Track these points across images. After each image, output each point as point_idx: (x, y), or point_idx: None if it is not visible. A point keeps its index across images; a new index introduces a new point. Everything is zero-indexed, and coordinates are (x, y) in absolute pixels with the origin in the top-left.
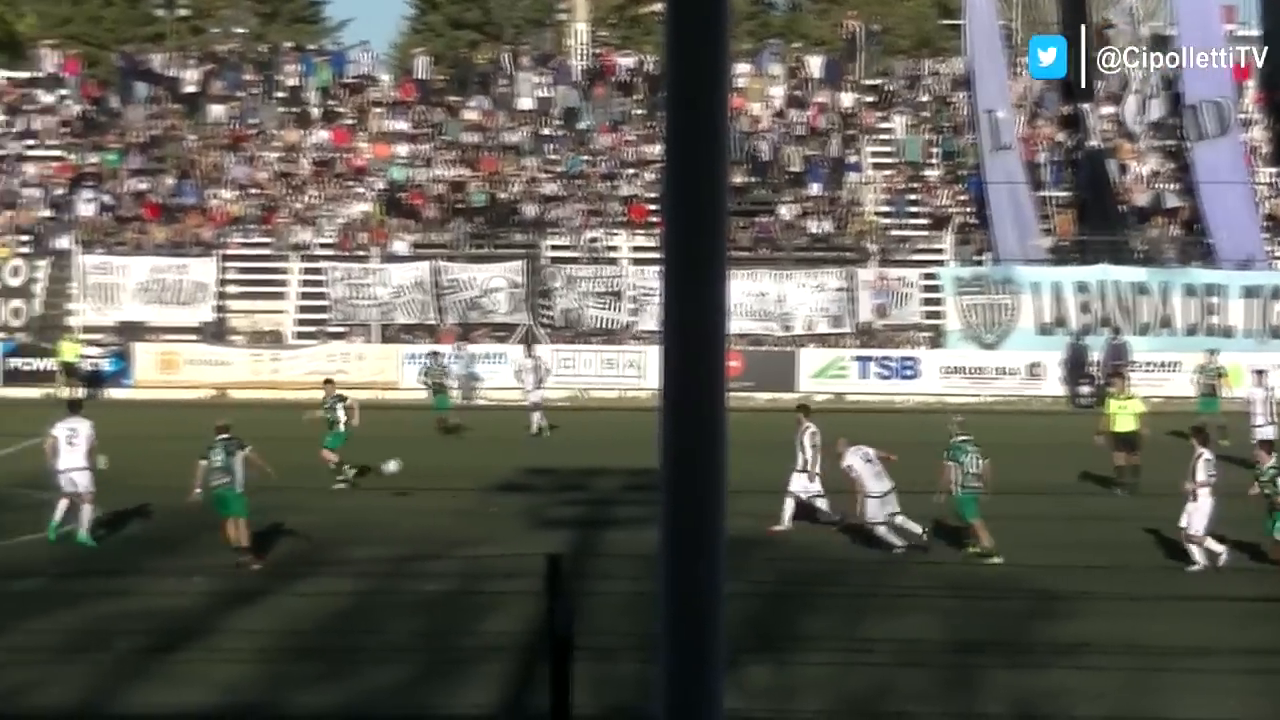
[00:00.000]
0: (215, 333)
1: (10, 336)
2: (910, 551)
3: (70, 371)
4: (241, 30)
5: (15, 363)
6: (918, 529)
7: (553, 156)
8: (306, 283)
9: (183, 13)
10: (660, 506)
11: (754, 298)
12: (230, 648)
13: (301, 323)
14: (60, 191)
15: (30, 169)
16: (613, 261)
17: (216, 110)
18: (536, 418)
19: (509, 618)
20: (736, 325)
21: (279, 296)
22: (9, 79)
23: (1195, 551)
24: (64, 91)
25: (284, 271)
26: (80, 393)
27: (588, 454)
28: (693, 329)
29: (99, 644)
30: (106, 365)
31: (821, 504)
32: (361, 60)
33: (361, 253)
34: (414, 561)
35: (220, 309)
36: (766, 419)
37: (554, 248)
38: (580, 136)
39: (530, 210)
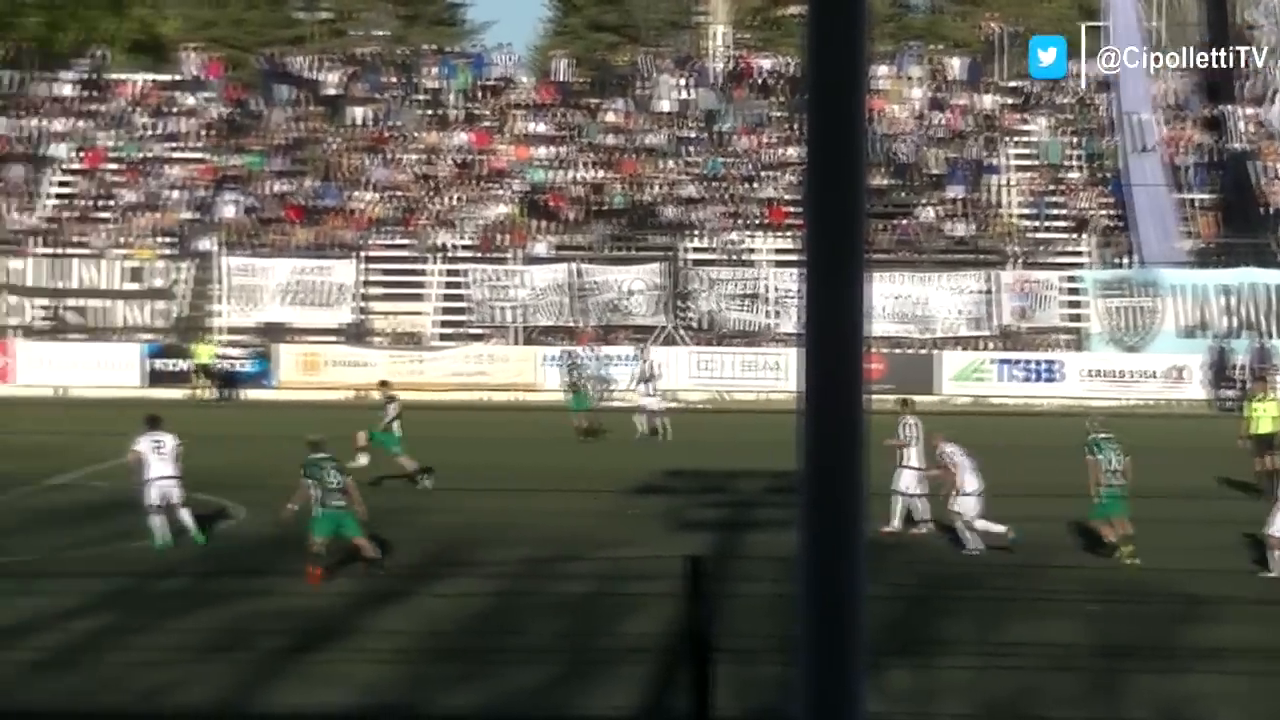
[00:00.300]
0: (356, 334)
1: (155, 338)
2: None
3: (206, 373)
4: (382, 33)
5: (159, 364)
6: (1000, 529)
7: (692, 159)
8: (447, 284)
9: (324, 15)
10: (800, 508)
11: (895, 300)
12: (370, 648)
13: (442, 324)
14: (203, 193)
15: (173, 171)
16: (752, 264)
17: (358, 112)
18: (645, 421)
19: (649, 619)
20: (877, 328)
21: (420, 298)
22: (153, 81)
23: (1275, 556)
24: (207, 94)
25: (425, 273)
26: (216, 394)
27: (728, 456)
28: (832, 331)
29: (240, 643)
30: (246, 366)
31: (921, 505)
32: (501, 62)
33: (502, 254)
34: (554, 563)
35: (361, 310)
36: None
37: (694, 250)
38: (720, 138)
39: (670, 212)
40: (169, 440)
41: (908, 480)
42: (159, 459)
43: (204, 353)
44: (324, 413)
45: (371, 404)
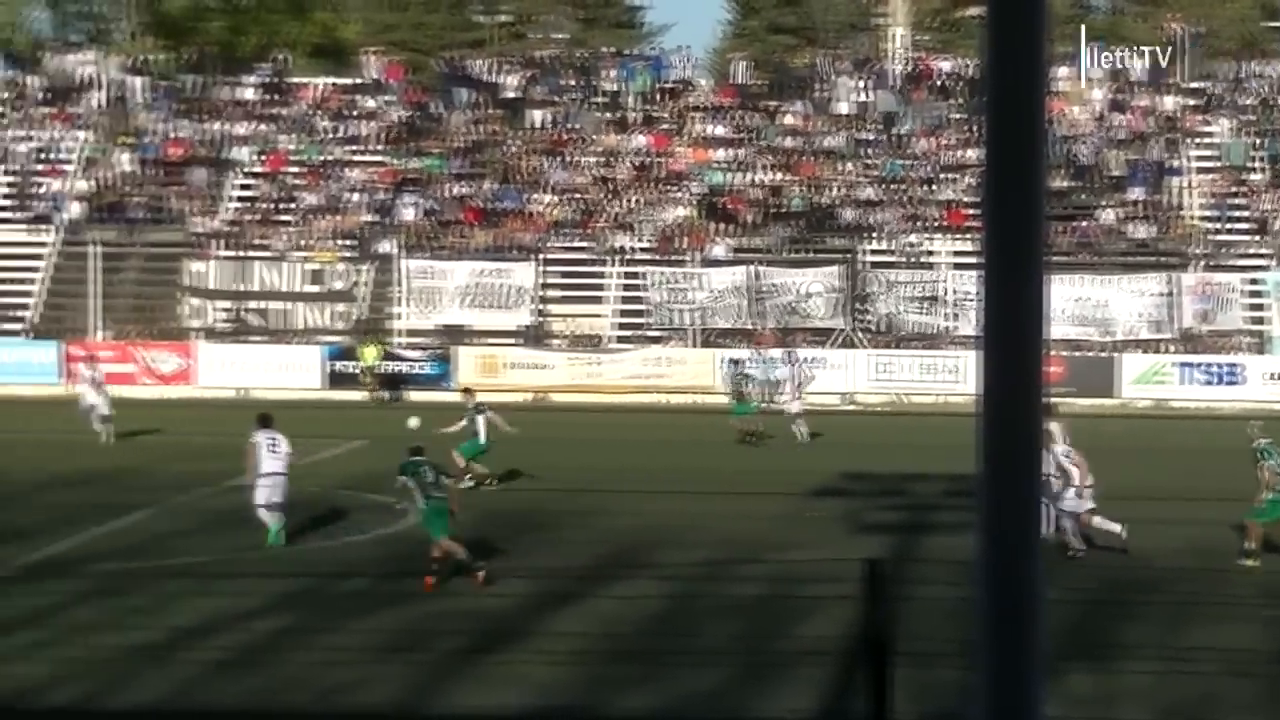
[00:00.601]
0: (535, 336)
1: (335, 340)
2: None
3: (371, 375)
4: (562, 36)
5: (339, 366)
6: (1116, 527)
7: (871, 161)
8: (625, 287)
9: (504, 19)
10: (978, 511)
11: (1074, 302)
12: (548, 650)
13: (620, 326)
14: (383, 196)
15: (354, 174)
16: (931, 266)
17: (537, 115)
18: (798, 428)
19: (827, 622)
20: (1056, 330)
21: (598, 300)
22: (334, 85)
23: None
24: (387, 97)
25: (603, 275)
26: (385, 395)
27: (906, 458)
28: (1011, 333)
29: (418, 644)
30: (425, 368)
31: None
32: (680, 65)
33: (680, 257)
34: (730, 565)
35: (540, 313)
36: (1086, 425)
37: (872, 252)
38: (898, 141)
39: (848, 214)
40: (283, 439)
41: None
42: (272, 456)
43: (369, 355)
44: (503, 415)
45: (463, 409)
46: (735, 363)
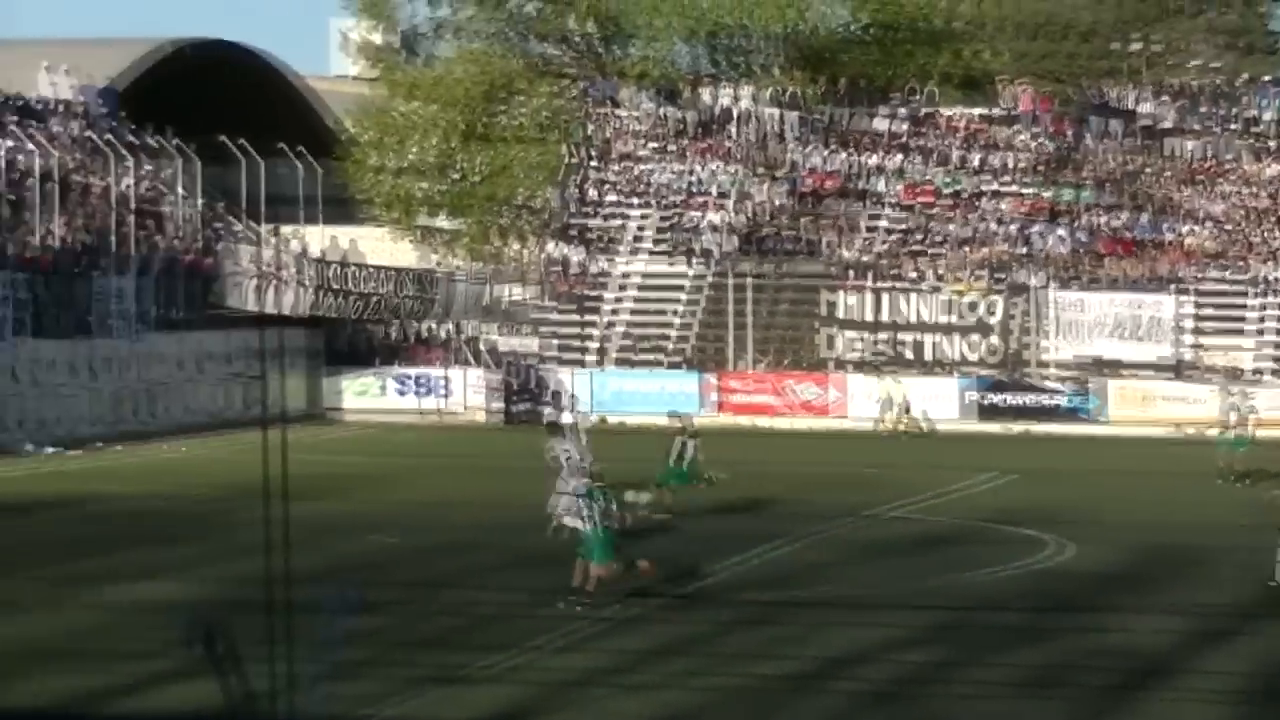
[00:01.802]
0: (1182, 369)
1: (978, 373)
2: None
3: (906, 411)
4: (1204, 63)
5: (989, 398)
6: None
7: None
8: (1275, 318)
9: (1153, 49)
10: None
11: None
12: (1200, 688)
13: (1272, 359)
14: (1026, 227)
15: (996, 205)
16: None
17: (1182, 144)
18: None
19: None
20: None
21: (1242, 333)
22: (976, 115)
23: None
24: (1032, 128)
25: (1248, 307)
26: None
27: None
28: None
29: (1067, 679)
30: (1068, 401)
31: None
32: None
33: None
34: None
35: (1189, 345)
36: None
37: None
38: None
39: None
40: (575, 449)
41: None
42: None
43: (894, 394)
44: (1152, 449)
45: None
46: (1225, 390)
